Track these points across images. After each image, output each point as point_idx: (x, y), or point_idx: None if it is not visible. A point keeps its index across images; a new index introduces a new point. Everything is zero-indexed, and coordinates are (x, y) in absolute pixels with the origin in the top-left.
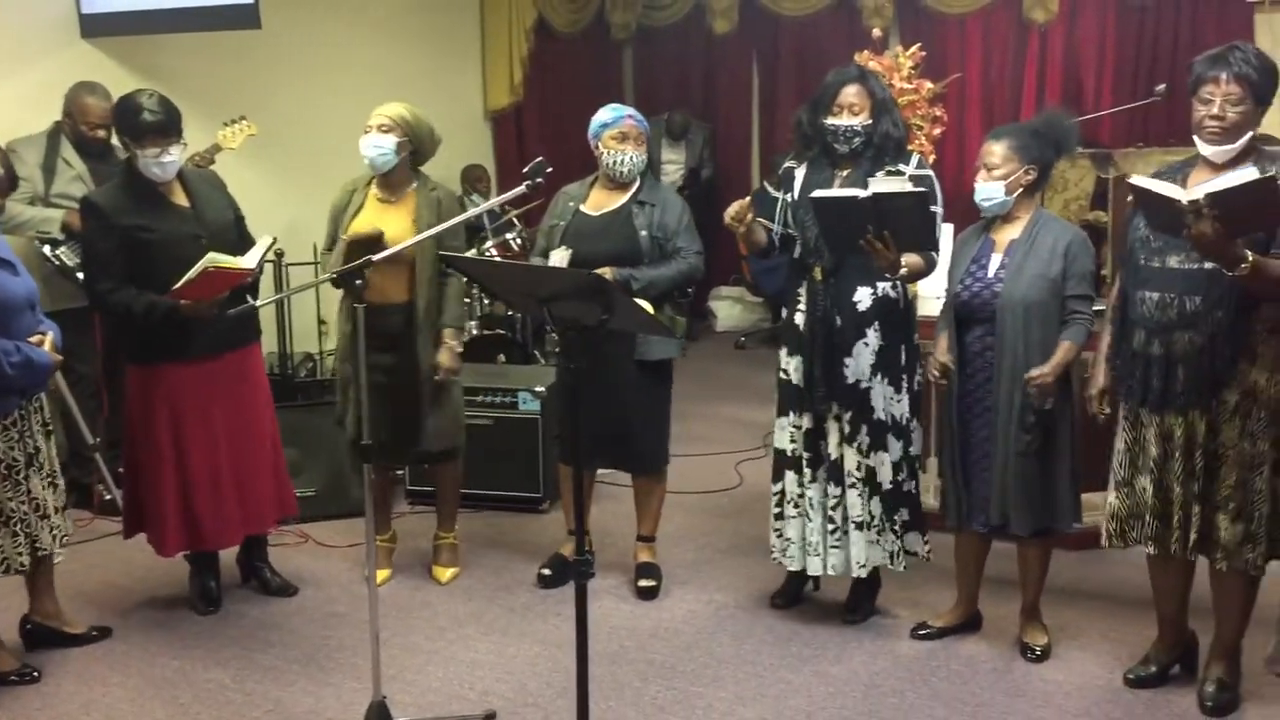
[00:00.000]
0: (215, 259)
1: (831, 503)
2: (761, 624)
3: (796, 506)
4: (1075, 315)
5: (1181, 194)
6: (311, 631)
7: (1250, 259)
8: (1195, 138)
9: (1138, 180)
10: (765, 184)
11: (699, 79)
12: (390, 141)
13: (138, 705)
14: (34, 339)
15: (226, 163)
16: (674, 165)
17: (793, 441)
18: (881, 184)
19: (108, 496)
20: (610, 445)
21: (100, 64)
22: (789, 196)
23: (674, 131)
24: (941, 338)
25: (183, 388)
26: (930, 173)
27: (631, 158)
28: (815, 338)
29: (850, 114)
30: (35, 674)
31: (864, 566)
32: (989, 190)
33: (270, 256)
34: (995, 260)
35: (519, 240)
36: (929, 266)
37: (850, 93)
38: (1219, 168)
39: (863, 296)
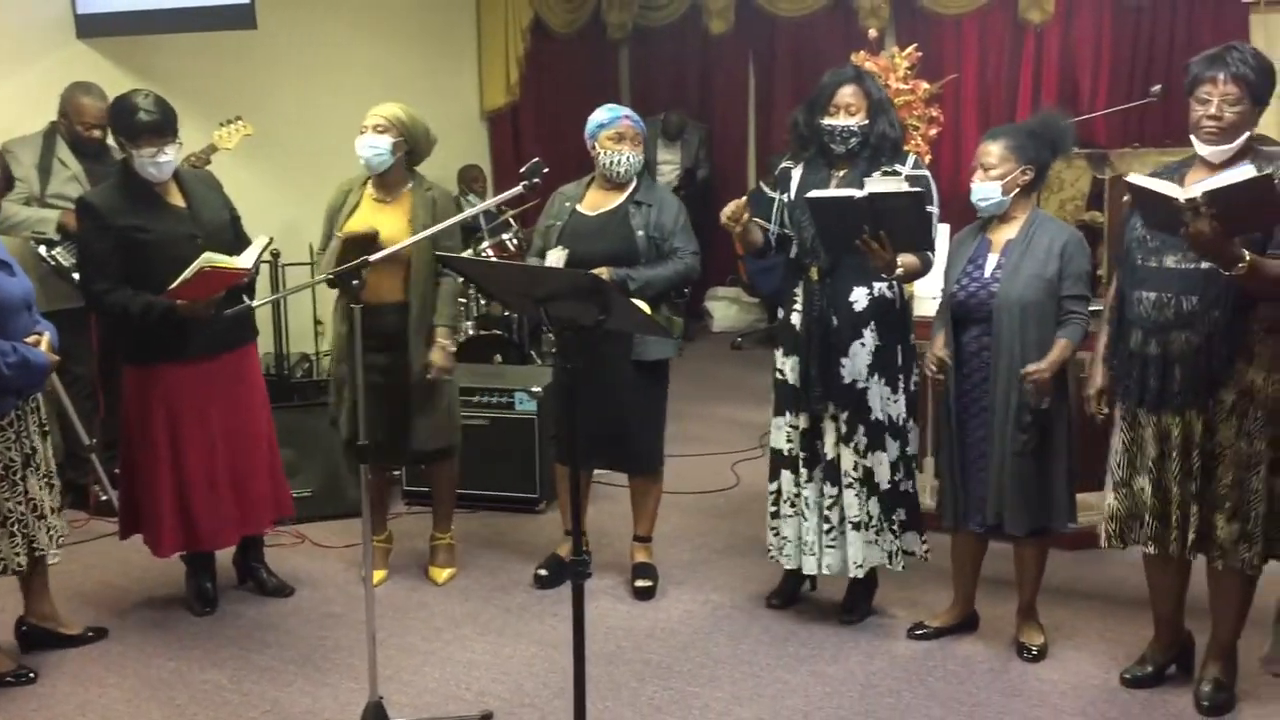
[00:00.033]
0: (211, 259)
1: (827, 503)
2: (758, 624)
3: (793, 506)
4: (1071, 315)
5: (1179, 192)
6: (308, 632)
7: (1247, 258)
8: (1192, 137)
9: (1135, 179)
10: (761, 184)
11: (695, 79)
12: (386, 142)
13: (134, 706)
14: (31, 339)
15: (222, 163)
16: (670, 166)
17: (789, 441)
18: (878, 184)
19: (104, 497)
20: (607, 445)
21: (96, 64)
22: (785, 197)
23: (669, 132)
24: (938, 335)
25: (179, 388)
26: (926, 173)
27: (628, 158)
28: (811, 338)
29: (847, 114)
30: (31, 675)
31: (861, 567)
32: (986, 190)
33: (266, 257)
34: (992, 260)
35: (515, 240)
36: (925, 267)
37: (847, 93)
38: (1216, 167)
39: (859, 297)
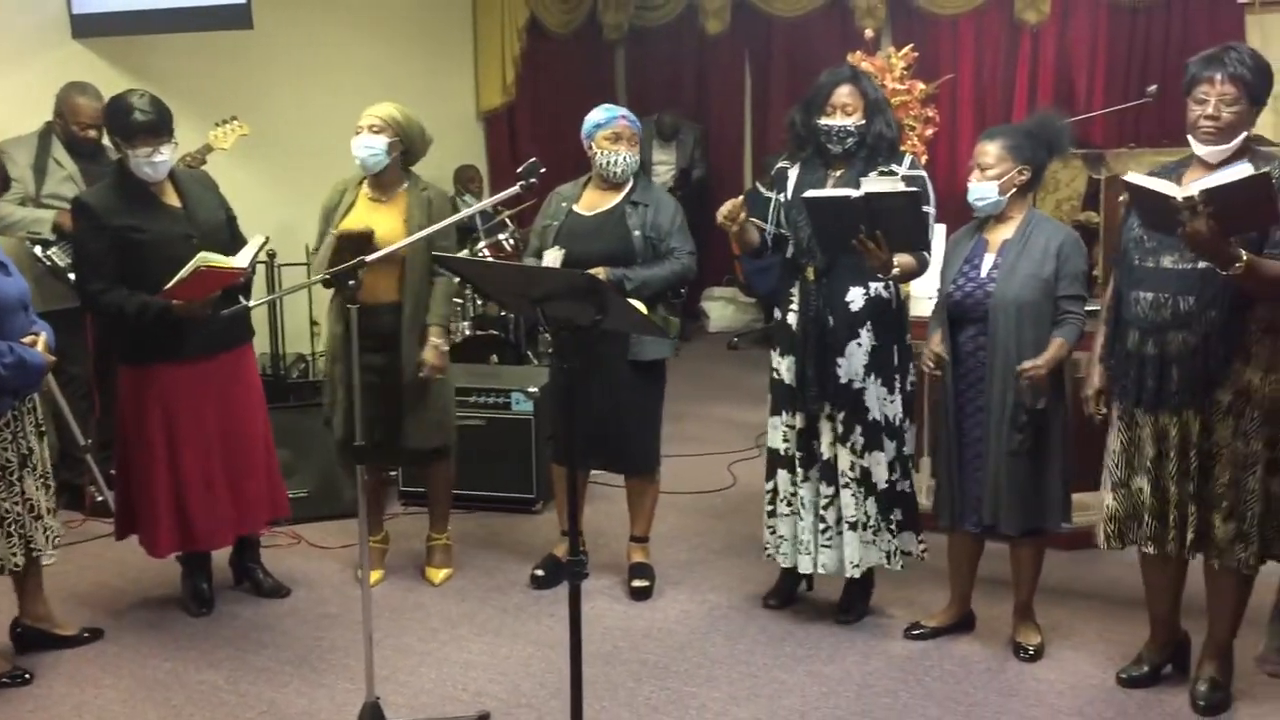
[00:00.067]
0: (207, 258)
1: (823, 502)
2: (755, 624)
3: (789, 505)
4: (1068, 315)
5: (1176, 190)
6: (304, 633)
7: (1244, 258)
8: (1190, 137)
9: (1132, 177)
10: (758, 185)
11: (691, 79)
12: (381, 142)
13: (130, 707)
14: (27, 339)
15: (218, 163)
16: (665, 166)
17: (786, 441)
18: (874, 184)
19: (99, 498)
20: (603, 446)
21: (92, 64)
22: (782, 196)
23: (664, 132)
24: (935, 334)
25: (175, 388)
26: (923, 173)
27: (625, 158)
28: (808, 338)
29: (844, 114)
30: (27, 676)
31: (857, 566)
32: (982, 190)
33: (262, 257)
34: (988, 260)
35: (511, 241)
36: (921, 267)
37: (844, 93)
38: (1213, 167)
39: (855, 297)
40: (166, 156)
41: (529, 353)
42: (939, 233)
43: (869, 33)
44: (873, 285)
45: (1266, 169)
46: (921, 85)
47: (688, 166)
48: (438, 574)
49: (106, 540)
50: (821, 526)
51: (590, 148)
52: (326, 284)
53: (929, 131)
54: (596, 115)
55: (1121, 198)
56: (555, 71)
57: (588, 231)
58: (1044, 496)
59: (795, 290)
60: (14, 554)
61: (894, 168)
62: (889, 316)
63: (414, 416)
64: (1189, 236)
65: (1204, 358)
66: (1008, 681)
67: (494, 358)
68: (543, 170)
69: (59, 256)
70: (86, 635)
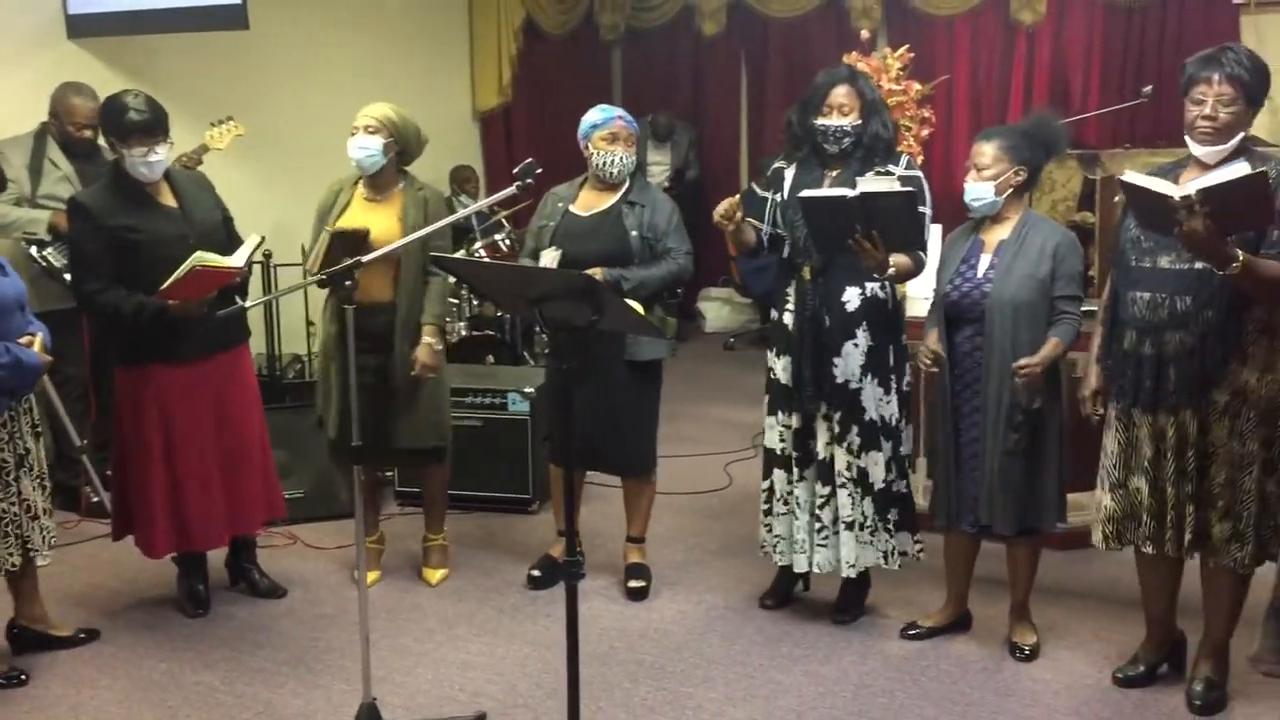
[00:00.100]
0: (203, 258)
1: (819, 502)
2: (751, 624)
3: (785, 504)
4: (1064, 315)
5: (1174, 190)
6: (301, 633)
7: (1241, 258)
8: (1187, 138)
9: (1129, 177)
10: (753, 185)
11: (688, 80)
12: (377, 143)
13: (126, 708)
14: (23, 340)
15: (214, 163)
16: (659, 167)
17: (782, 441)
18: (870, 184)
19: (95, 499)
20: (600, 446)
21: (87, 65)
22: (778, 196)
23: (659, 133)
24: (931, 333)
25: (172, 389)
26: (919, 173)
27: (621, 158)
28: (804, 338)
29: (840, 114)
30: (23, 677)
31: (854, 566)
32: (979, 190)
33: (258, 257)
34: (984, 261)
35: (508, 241)
36: (918, 267)
37: (840, 93)
38: (1210, 168)
39: (851, 297)
40: (162, 156)
41: (525, 353)
42: (935, 233)
43: (865, 33)
44: (869, 285)
45: (1264, 168)
46: (917, 86)
47: (682, 167)
48: (434, 574)
49: (102, 541)
50: (817, 526)
51: (587, 148)
52: (322, 284)
53: (925, 132)
54: (593, 116)
55: (1117, 198)
56: (551, 72)
57: (584, 232)
58: (1039, 496)
59: (791, 290)
60: (10, 554)
61: (890, 168)
62: (885, 317)
63: (407, 416)
64: (1186, 236)
65: (1201, 358)
66: (1004, 681)
67: (490, 358)
68: (539, 171)
69: (55, 257)
70: (82, 636)
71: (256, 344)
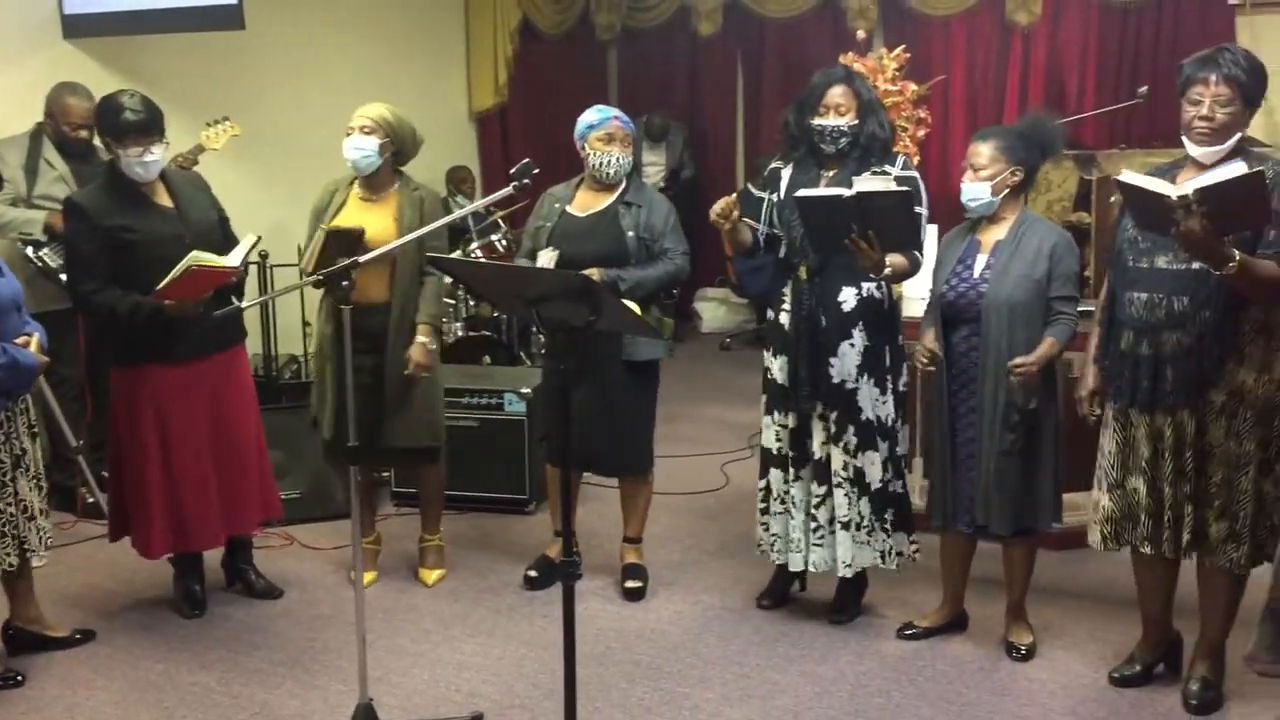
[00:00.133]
0: (198, 258)
1: (814, 501)
2: (748, 624)
3: (782, 503)
4: (1060, 315)
5: (1171, 189)
6: (297, 634)
7: (1238, 258)
8: (1184, 138)
9: (1126, 177)
10: (750, 185)
11: (684, 80)
12: (372, 143)
13: (123, 709)
14: (20, 340)
15: (210, 164)
16: (655, 167)
17: (778, 440)
18: (866, 184)
19: (90, 500)
20: (596, 446)
21: (83, 65)
22: (775, 196)
23: (653, 133)
24: (928, 332)
25: (168, 389)
26: (915, 174)
27: (618, 159)
28: (800, 337)
29: (837, 114)
30: (19, 678)
31: (850, 566)
32: (975, 191)
33: (254, 257)
34: (981, 261)
35: (504, 242)
36: (914, 267)
37: (837, 93)
38: (1207, 168)
39: (847, 296)
40: (157, 156)
41: (521, 353)
42: (931, 234)
43: (861, 34)
44: (865, 285)
45: (1261, 168)
46: (913, 86)
47: (677, 167)
48: (431, 575)
49: (98, 542)
50: (813, 525)
51: (583, 149)
52: (318, 284)
53: (921, 132)
54: (589, 116)
55: (1113, 198)
56: (548, 72)
57: (581, 232)
58: (1035, 496)
59: (788, 290)
60: (7, 554)
61: (887, 168)
62: (881, 317)
63: (401, 415)
64: (1183, 236)
65: (1198, 358)
66: (1000, 681)
67: (486, 358)
68: (535, 171)
69: (50, 257)
70: (78, 637)
71: (253, 344)
